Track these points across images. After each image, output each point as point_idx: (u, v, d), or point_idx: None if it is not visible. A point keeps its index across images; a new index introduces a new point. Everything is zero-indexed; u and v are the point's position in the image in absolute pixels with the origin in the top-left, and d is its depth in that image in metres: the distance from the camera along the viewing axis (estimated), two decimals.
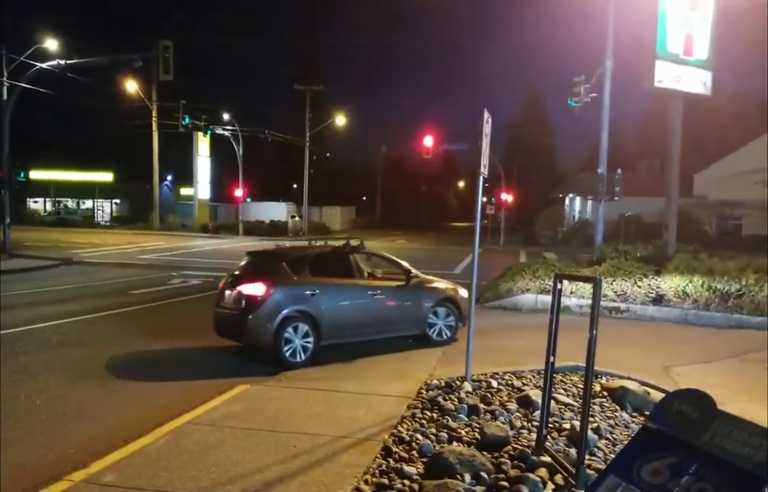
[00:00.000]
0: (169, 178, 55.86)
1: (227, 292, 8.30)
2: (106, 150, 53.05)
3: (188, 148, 44.41)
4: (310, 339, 8.07)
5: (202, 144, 43.99)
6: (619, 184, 15.16)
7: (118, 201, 54.59)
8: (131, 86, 36.60)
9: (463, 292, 9.69)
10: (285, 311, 7.92)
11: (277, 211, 45.90)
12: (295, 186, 58.00)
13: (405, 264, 9.70)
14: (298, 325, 8.00)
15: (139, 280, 16.42)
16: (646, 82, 14.23)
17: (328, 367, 7.93)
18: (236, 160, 40.52)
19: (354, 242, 9.28)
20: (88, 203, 54.77)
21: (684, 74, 14.34)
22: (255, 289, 7.95)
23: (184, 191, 52.53)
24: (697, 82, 14.51)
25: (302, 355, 7.99)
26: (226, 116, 41.35)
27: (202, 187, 45.19)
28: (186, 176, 47.90)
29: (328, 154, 67.31)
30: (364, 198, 72.39)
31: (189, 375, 7.49)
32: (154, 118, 41.05)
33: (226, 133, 40.79)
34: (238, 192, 40.71)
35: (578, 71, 19.06)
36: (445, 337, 9.34)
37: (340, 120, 45.85)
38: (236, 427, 5.32)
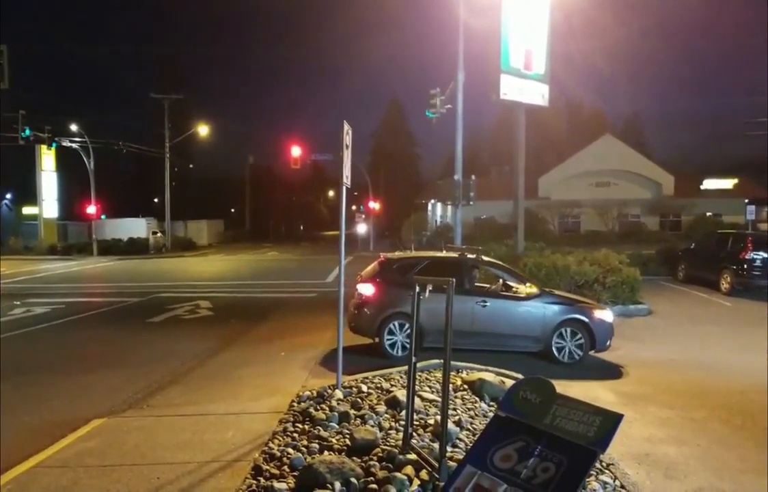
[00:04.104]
0: (8, 196, 49.91)
1: (356, 292, 9.56)
2: None
3: (31, 163, 39.94)
4: None
5: (47, 158, 39.78)
6: (474, 190, 16.23)
7: None
8: None
9: (604, 315, 9.22)
10: (389, 310, 9.10)
11: (136, 227, 42.77)
12: (156, 200, 54.53)
13: (524, 278, 9.95)
14: (400, 323, 9.05)
15: None
16: (494, 94, 15.46)
17: (197, 389, 7.61)
18: (88, 175, 37.24)
19: (470, 254, 9.68)
20: None
21: (525, 87, 15.79)
22: (366, 288, 9.40)
23: (28, 210, 47.12)
24: (536, 94, 16.05)
25: (401, 351, 8.90)
26: (74, 127, 37.79)
27: (48, 205, 40.84)
28: (29, 193, 42.97)
29: (191, 166, 64.24)
30: (233, 210, 69.99)
31: (35, 415, 6.75)
32: None
33: (75, 146, 37.30)
34: (91, 209, 37.36)
35: (436, 82, 20.15)
36: (573, 358, 9.01)
37: (203, 130, 44.04)
38: (91, 466, 4.92)
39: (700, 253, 19.01)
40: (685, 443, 5.91)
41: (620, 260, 14.61)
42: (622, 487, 4.66)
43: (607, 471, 4.90)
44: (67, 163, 42.46)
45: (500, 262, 10.66)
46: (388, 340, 9.17)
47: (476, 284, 9.72)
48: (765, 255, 16.14)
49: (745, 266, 16.22)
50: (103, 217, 42.50)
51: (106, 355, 9.92)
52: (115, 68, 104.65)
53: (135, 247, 38.52)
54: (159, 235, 41.97)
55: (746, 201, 39.60)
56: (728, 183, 44.79)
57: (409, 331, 8.89)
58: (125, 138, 41.26)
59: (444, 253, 10.54)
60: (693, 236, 25.57)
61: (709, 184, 44.69)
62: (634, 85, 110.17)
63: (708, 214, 42.64)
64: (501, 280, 9.89)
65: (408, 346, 8.87)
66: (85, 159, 37.27)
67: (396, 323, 9.12)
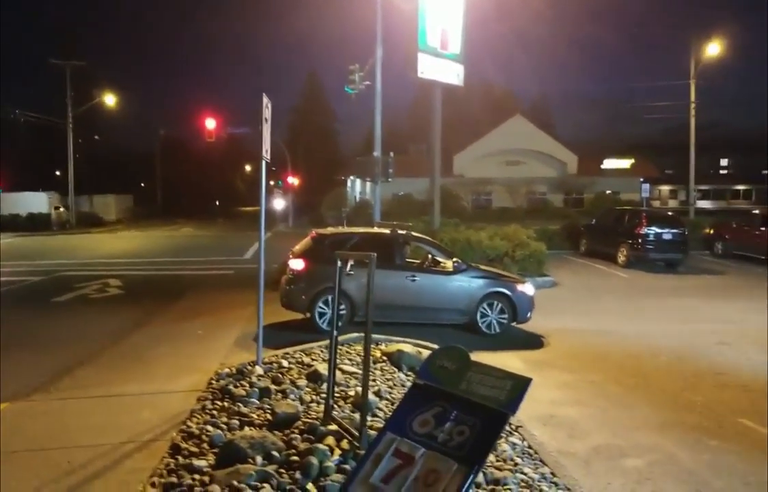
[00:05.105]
0: None
1: (288, 267, 9.67)
2: None
3: None
4: (343, 311, 8.91)
5: None
6: (392, 166, 16.44)
7: None
8: None
9: (526, 288, 9.63)
10: (321, 285, 9.18)
11: (36, 202, 39.65)
12: (59, 173, 50.76)
13: (452, 253, 10.25)
14: (330, 298, 8.79)
15: None
16: (412, 72, 15.62)
17: (109, 370, 7.32)
18: None
19: (401, 230, 9.88)
20: None
21: (441, 66, 16.04)
22: (297, 264, 9.49)
23: None
24: (452, 73, 16.36)
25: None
26: None
27: None
28: None
29: (97, 138, 60.20)
30: (143, 185, 66.41)
31: None
32: None
33: None
34: None
35: (356, 58, 20.07)
36: (494, 331, 9.43)
37: (110, 99, 41.39)
38: None
39: (599, 228, 20.40)
40: (585, 405, 6.44)
41: (528, 235, 15.39)
42: (530, 447, 5.02)
43: (516, 433, 5.26)
44: None
45: (429, 238, 10.92)
46: (319, 314, 9.28)
47: (406, 260, 9.96)
48: (657, 230, 17.61)
49: (640, 240, 17.59)
50: None
51: (4, 337, 9.25)
52: (13, 32, 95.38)
53: (35, 223, 35.99)
54: (62, 210, 39.32)
55: (641, 180, 42.63)
56: (626, 163, 47.91)
57: (341, 306, 9.00)
58: (23, 107, 38.10)
59: (375, 229, 10.72)
60: (594, 213, 27.25)
61: (609, 163, 47.56)
62: (542, 66, 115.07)
63: (607, 191, 45.50)
64: (430, 256, 10.15)
65: (340, 320, 9.09)
66: None
67: (328, 298, 9.14)
